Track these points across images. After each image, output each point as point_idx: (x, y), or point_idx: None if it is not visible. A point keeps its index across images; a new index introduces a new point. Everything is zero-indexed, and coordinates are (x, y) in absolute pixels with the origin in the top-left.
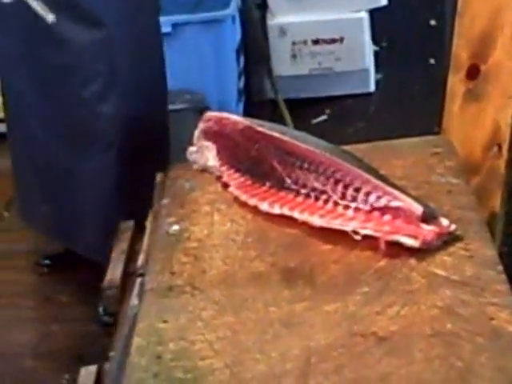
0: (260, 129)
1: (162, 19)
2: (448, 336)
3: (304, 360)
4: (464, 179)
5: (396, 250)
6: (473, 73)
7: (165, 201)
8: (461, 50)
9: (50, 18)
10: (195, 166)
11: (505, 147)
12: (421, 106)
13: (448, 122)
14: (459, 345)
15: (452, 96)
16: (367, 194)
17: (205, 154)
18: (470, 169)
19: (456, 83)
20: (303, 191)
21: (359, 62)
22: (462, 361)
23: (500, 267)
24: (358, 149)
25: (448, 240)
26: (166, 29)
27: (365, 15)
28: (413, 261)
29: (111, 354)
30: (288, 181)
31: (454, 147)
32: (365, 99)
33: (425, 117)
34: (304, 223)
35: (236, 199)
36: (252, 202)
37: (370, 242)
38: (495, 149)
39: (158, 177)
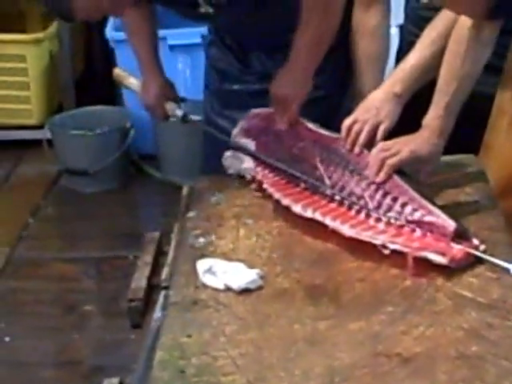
0: (310, 125)
1: (192, 30)
2: (473, 359)
3: (327, 379)
4: (492, 200)
5: (422, 269)
6: None
7: (191, 214)
8: None
9: None
10: (230, 171)
11: None
12: None
13: (493, 136)
14: (484, 368)
15: (500, 111)
16: (403, 205)
17: (240, 156)
18: None
19: (506, 99)
20: (337, 197)
21: None
22: None
23: None
24: None
25: (475, 261)
26: (195, 39)
27: None
28: (439, 281)
29: (134, 366)
30: (327, 182)
31: (482, 167)
32: None
33: None
34: (330, 240)
35: (260, 216)
36: (285, 201)
37: (396, 260)
38: None
39: (185, 189)
